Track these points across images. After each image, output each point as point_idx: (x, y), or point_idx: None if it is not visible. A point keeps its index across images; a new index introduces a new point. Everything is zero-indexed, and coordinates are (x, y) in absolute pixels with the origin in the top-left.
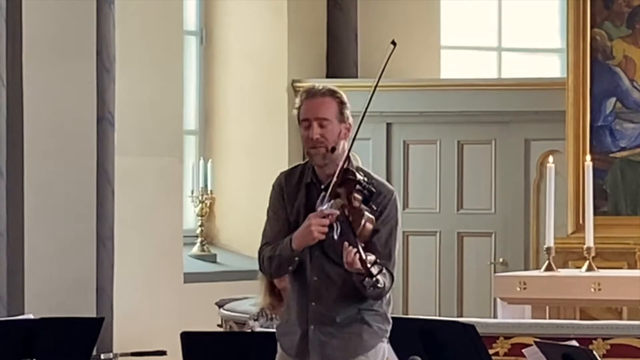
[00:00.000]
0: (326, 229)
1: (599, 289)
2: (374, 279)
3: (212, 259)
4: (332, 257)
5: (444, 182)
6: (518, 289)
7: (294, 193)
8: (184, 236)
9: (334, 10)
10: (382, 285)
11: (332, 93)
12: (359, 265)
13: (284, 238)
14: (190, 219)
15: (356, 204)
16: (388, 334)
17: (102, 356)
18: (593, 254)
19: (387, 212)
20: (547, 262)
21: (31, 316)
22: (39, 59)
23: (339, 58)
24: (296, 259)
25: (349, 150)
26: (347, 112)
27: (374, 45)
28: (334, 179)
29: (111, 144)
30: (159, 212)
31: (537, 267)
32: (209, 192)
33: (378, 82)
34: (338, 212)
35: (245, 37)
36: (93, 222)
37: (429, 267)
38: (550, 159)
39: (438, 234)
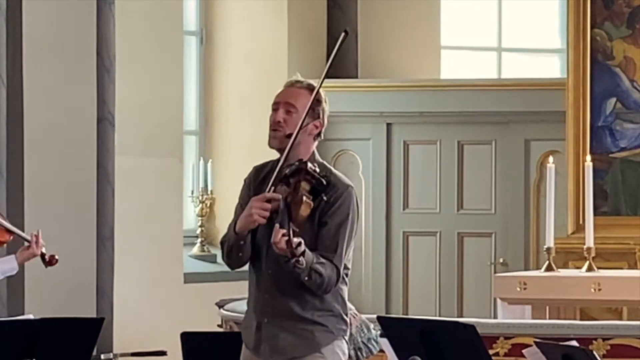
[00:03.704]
0: (267, 213)
1: (599, 289)
2: (295, 259)
3: (212, 259)
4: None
5: (444, 182)
6: (518, 289)
7: (261, 185)
8: (184, 236)
9: (334, 10)
10: (316, 274)
11: (311, 88)
12: (284, 245)
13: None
14: (190, 219)
15: (300, 191)
16: (346, 333)
17: (102, 356)
18: (593, 254)
19: (339, 205)
20: (547, 262)
21: (31, 316)
22: (39, 59)
23: (339, 58)
24: (241, 243)
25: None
26: (321, 112)
27: (374, 45)
28: (278, 166)
29: (111, 144)
30: (159, 212)
31: (537, 267)
32: (209, 192)
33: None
34: (280, 197)
35: (245, 37)
36: (93, 222)
37: (429, 267)
38: (550, 159)
39: (438, 234)
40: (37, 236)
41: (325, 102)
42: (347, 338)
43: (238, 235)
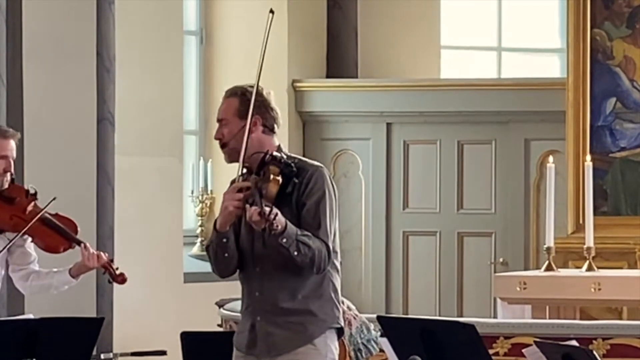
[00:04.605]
0: (240, 203)
1: (599, 289)
2: (269, 223)
3: None
4: (273, 245)
5: (444, 182)
6: (518, 289)
7: None
8: (184, 236)
9: (334, 10)
10: (304, 246)
11: (235, 92)
12: (257, 216)
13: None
14: (190, 219)
15: (269, 173)
16: (339, 321)
17: (102, 356)
18: (593, 254)
19: (313, 184)
20: (547, 262)
21: (31, 316)
22: (39, 59)
23: (339, 58)
24: (224, 240)
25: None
26: (251, 108)
27: (374, 45)
28: (240, 157)
29: (111, 144)
30: (159, 212)
31: (537, 267)
32: (209, 192)
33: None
34: (249, 184)
35: (245, 37)
36: (93, 222)
37: (429, 267)
38: (550, 159)
39: (438, 234)
40: (85, 246)
41: (261, 94)
42: (341, 325)
43: (219, 233)
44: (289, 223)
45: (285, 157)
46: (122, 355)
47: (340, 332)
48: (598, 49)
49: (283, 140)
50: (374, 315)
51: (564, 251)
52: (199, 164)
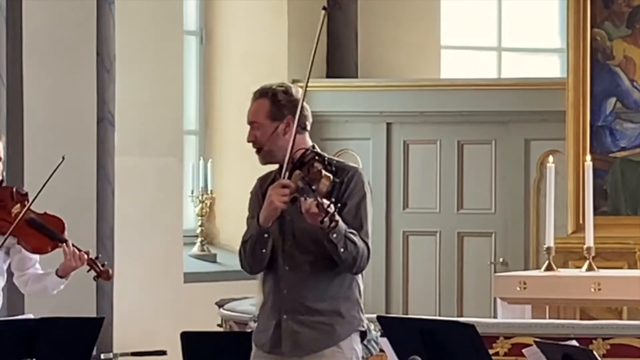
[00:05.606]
0: (286, 198)
1: (599, 289)
2: (329, 215)
3: (212, 259)
4: (304, 244)
5: (444, 182)
6: (518, 288)
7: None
8: (184, 236)
9: (334, 10)
10: (351, 243)
11: (265, 93)
12: (315, 208)
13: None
14: (190, 219)
15: (315, 168)
16: (364, 324)
17: (102, 356)
18: (593, 254)
19: (354, 184)
20: (547, 262)
21: (31, 316)
22: (39, 59)
23: (339, 58)
24: (265, 236)
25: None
26: (284, 109)
27: (374, 45)
28: (285, 164)
29: (111, 144)
30: (159, 212)
31: (537, 267)
32: (209, 192)
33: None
34: (293, 184)
35: (245, 37)
36: (93, 222)
37: (429, 267)
38: (550, 159)
39: (438, 234)
40: (67, 244)
41: (291, 93)
42: (365, 328)
43: (262, 229)
44: (339, 219)
45: (326, 156)
46: (122, 355)
47: (363, 335)
48: (598, 49)
49: None
50: (374, 315)
51: (564, 251)
52: (199, 164)
